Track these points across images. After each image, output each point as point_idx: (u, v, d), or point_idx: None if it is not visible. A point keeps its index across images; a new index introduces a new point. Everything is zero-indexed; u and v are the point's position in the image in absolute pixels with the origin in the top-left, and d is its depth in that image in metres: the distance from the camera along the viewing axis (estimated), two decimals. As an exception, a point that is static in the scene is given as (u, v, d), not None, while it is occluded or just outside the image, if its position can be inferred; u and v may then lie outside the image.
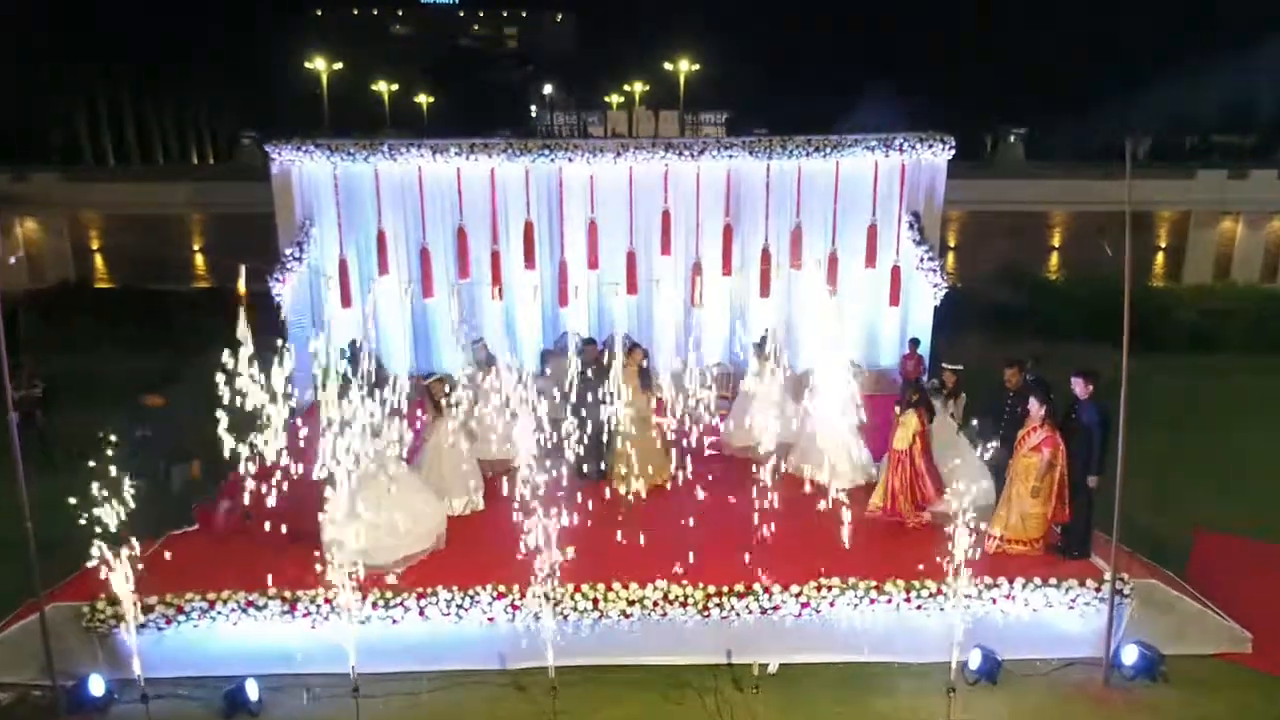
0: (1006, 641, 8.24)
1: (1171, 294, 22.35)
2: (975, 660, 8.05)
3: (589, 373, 10.45)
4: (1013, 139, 31.80)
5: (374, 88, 47.25)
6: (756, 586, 8.23)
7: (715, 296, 14.36)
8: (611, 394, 9.98)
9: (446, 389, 9.89)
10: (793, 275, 14.27)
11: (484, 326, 13.72)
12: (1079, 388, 8.86)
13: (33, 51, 33.11)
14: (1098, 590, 8.30)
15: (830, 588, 8.26)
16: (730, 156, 13.75)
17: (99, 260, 25.85)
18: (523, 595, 8.02)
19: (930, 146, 13.73)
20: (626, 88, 44.39)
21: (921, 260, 13.83)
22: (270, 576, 8.01)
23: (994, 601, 8.25)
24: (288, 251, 13.50)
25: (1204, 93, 27.28)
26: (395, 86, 48.70)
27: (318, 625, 8.06)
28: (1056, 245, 25.01)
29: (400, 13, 78.83)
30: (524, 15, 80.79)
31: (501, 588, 8.13)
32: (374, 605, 8.06)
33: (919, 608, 8.24)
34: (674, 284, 14.16)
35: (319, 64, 40.26)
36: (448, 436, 9.80)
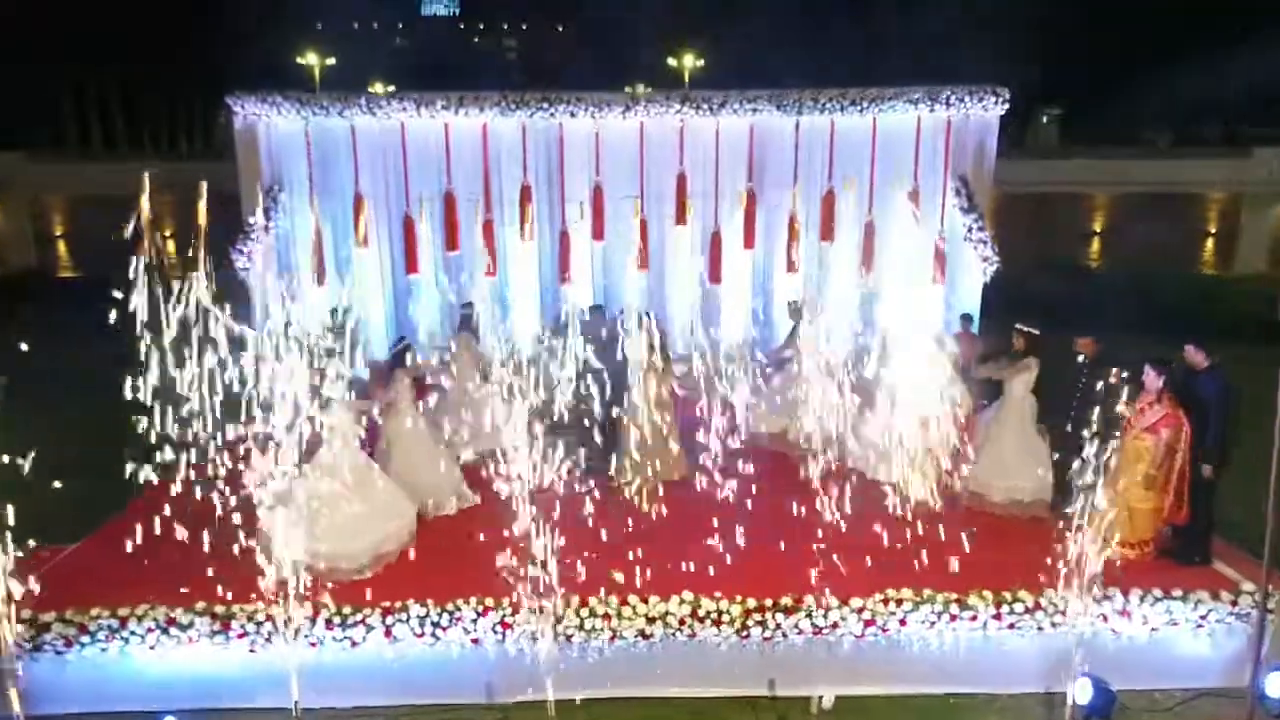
0: (1121, 669, 6.57)
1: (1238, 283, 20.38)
2: (1084, 692, 6.37)
3: (595, 349, 8.84)
4: (1046, 119, 30.17)
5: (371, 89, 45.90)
6: (809, 600, 6.59)
7: (735, 272, 12.74)
8: (620, 375, 8.48)
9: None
10: (823, 249, 12.67)
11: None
12: (1197, 356, 7.27)
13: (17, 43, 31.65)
14: (1234, 605, 6.66)
15: (900, 602, 6.61)
16: (754, 110, 12.16)
17: (62, 246, 24.27)
18: (515, 611, 6.38)
19: (980, 100, 12.14)
20: (629, 89, 42.80)
21: (970, 231, 12.24)
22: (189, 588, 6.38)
23: (1104, 619, 6.60)
24: (252, 220, 11.89)
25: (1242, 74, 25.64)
26: (392, 87, 47.34)
27: (257, 649, 6.41)
28: (1096, 230, 23.35)
29: (400, 25, 77.81)
30: (524, 28, 79.75)
31: (489, 601, 6.50)
32: (328, 624, 6.42)
33: (1011, 626, 6.60)
34: (690, 257, 12.55)
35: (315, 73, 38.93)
36: (409, 422, 8.22)
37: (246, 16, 38.35)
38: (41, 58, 35.70)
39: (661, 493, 7.88)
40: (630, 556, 6.82)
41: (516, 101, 11.97)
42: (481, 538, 6.44)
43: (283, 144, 12.16)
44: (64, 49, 36.64)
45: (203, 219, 5.68)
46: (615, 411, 8.69)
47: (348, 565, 6.99)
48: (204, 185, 5.60)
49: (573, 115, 12.09)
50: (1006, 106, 12.23)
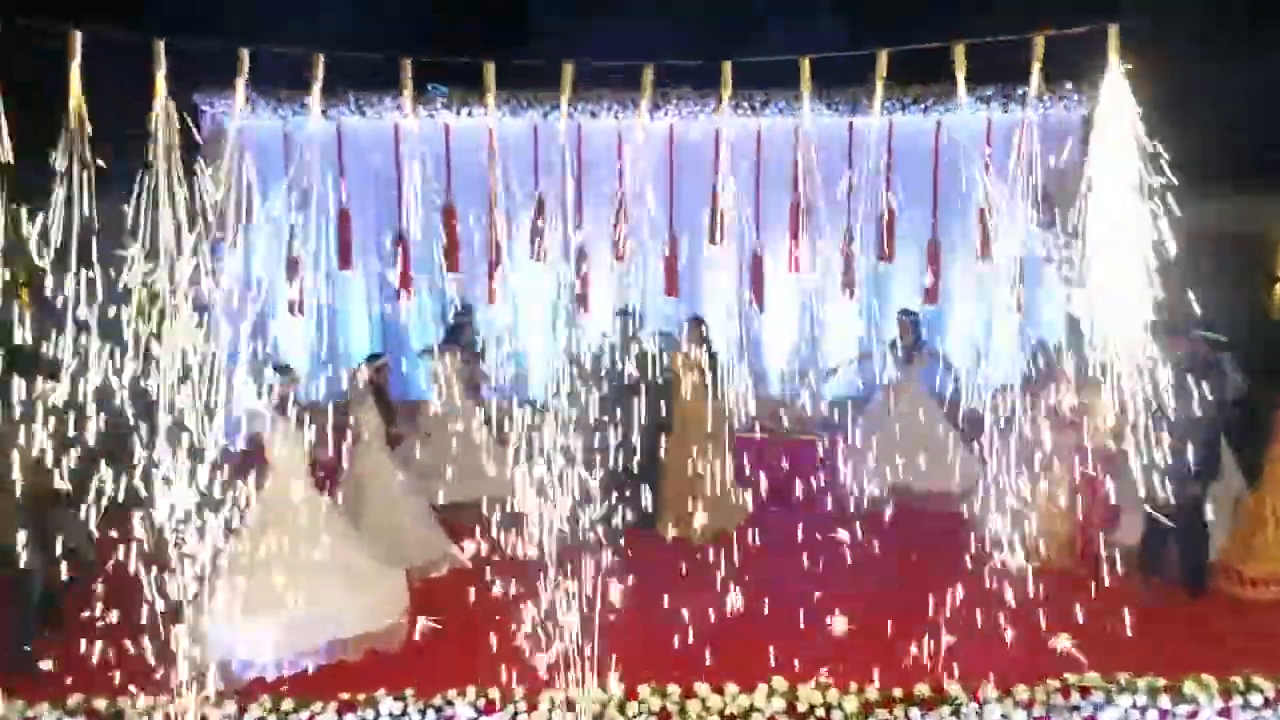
0: None
1: None
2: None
3: (629, 367, 7.04)
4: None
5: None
6: (954, 689, 4.59)
7: (781, 299, 10.98)
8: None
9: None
10: (882, 271, 10.94)
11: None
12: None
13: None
14: None
15: (1086, 690, 4.60)
16: (800, 110, 10.50)
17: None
18: (532, 709, 4.39)
19: (1063, 99, 10.53)
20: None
21: (1051, 252, 10.52)
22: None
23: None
24: (219, 237, 10.13)
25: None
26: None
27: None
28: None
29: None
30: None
31: (492, 694, 4.50)
32: (258, 728, 4.41)
33: (1251, 729, 4.59)
34: (729, 281, 10.81)
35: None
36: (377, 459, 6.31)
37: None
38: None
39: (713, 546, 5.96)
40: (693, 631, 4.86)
41: (529, 100, 10.37)
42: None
43: (257, 150, 10.48)
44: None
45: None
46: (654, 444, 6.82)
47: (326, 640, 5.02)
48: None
49: (593, 116, 10.48)
50: (1090, 106, 10.64)
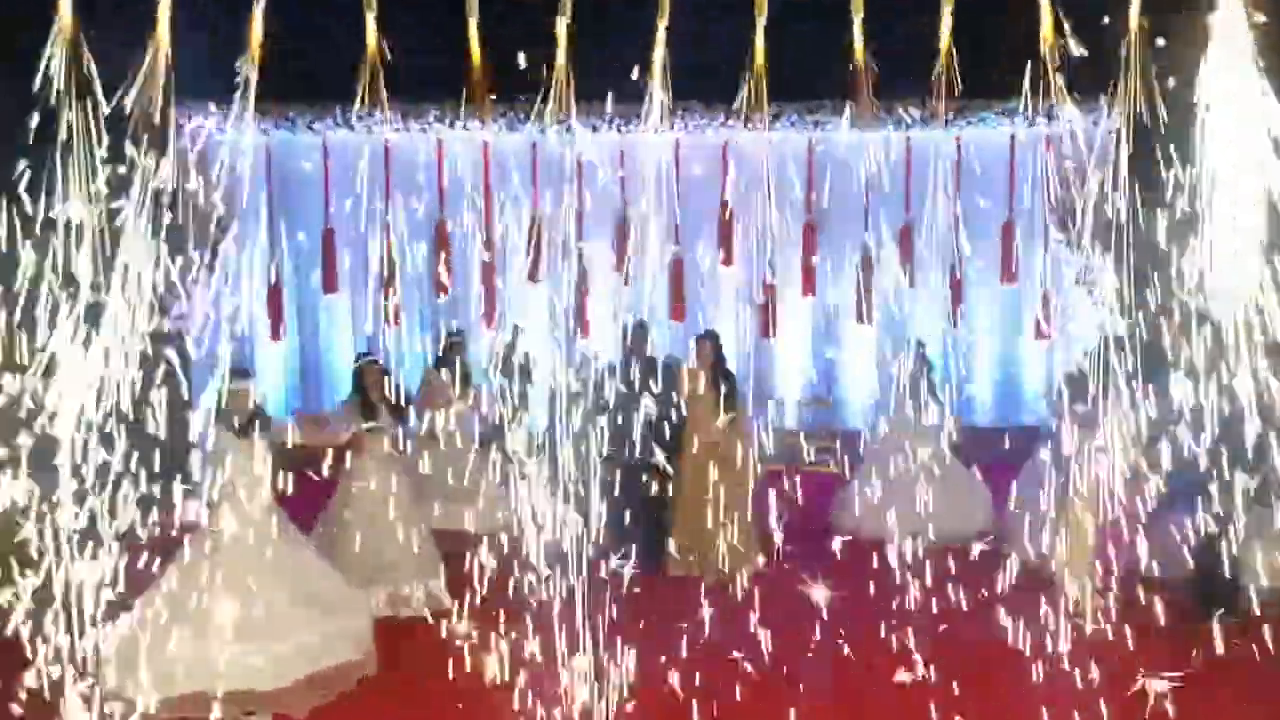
0: None
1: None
2: None
3: (636, 380, 6.37)
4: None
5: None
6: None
7: (793, 324, 10.35)
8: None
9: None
10: (901, 294, 10.32)
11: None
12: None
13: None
14: None
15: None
16: (815, 126, 9.98)
17: None
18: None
19: (1091, 113, 9.98)
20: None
21: (1080, 275, 9.93)
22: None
23: None
24: (194, 257, 9.51)
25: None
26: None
27: None
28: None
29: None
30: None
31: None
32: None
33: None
34: (738, 304, 10.19)
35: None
36: (375, 481, 5.59)
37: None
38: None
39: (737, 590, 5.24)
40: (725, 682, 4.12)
41: (526, 111, 9.78)
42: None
43: (236, 164, 9.89)
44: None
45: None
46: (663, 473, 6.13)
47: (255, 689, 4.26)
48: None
49: (594, 129, 9.90)
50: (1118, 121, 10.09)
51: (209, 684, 4.07)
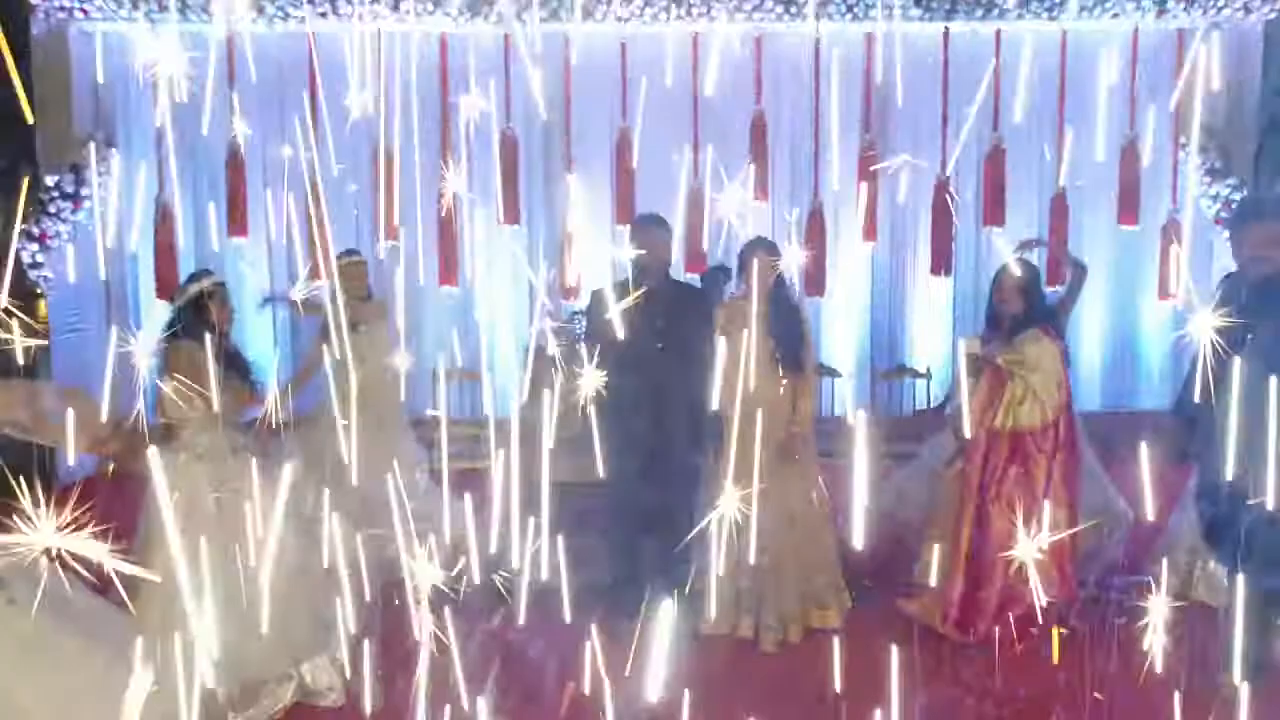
0: None
1: None
2: None
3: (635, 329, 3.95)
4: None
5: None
6: None
7: (848, 276, 7.96)
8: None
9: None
10: (984, 237, 7.96)
11: (427, 323, 7.35)
12: None
13: None
14: None
15: None
16: (872, 17, 7.57)
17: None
18: None
19: (1236, 2, 7.60)
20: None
21: (1222, 209, 7.58)
22: None
23: None
24: (51, 184, 7.17)
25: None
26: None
27: None
28: None
29: None
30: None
31: None
32: None
33: None
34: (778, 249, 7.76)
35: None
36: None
37: None
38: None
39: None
40: None
41: (495, -9, 7.41)
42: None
43: (115, 66, 7.48)
44: None
45: None
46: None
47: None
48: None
49: (586, 21, 7.52)
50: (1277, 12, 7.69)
51: None
